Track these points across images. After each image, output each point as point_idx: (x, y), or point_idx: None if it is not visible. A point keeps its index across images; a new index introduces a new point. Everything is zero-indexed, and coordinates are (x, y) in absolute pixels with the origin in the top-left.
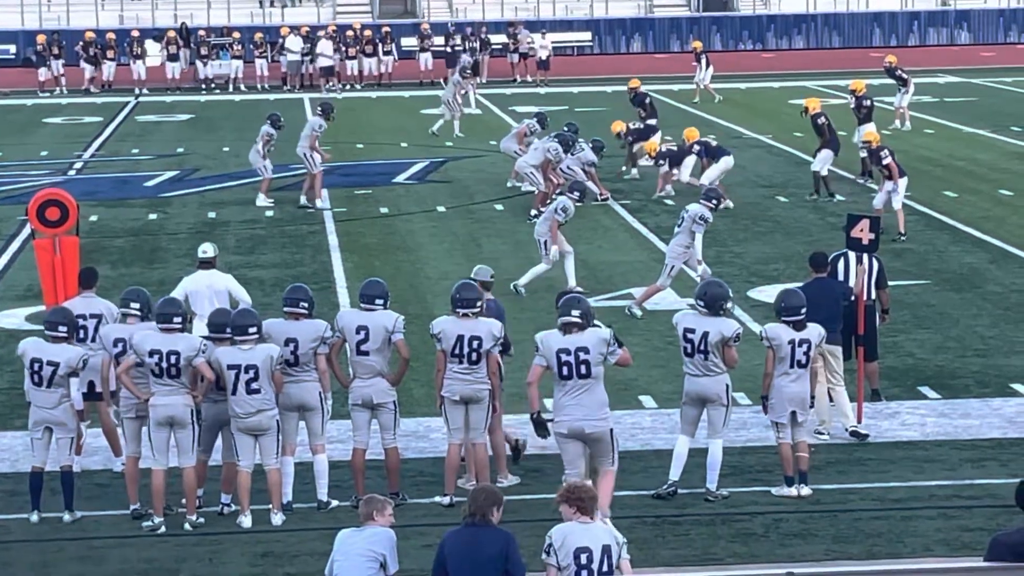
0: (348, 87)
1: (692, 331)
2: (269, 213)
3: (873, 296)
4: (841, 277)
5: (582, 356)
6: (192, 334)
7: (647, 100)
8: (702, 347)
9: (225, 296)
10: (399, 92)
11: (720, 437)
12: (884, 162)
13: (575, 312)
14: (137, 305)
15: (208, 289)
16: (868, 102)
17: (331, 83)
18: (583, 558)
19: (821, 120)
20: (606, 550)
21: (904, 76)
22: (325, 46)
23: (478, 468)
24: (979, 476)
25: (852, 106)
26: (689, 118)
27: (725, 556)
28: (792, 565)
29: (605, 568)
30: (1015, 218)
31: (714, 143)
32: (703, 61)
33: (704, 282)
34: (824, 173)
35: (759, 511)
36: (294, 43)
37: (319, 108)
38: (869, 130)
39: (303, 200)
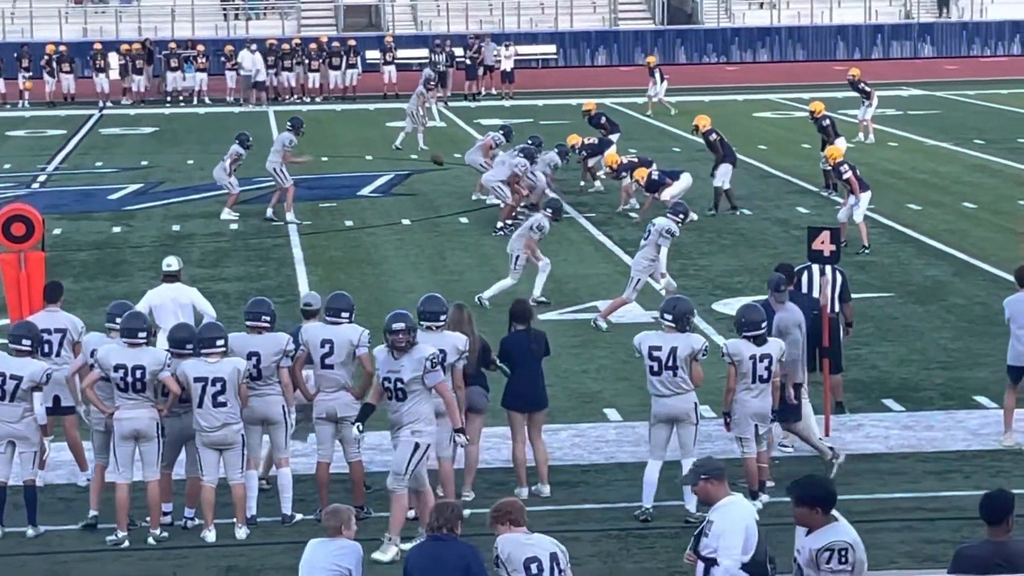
0: (309, 99)
1: (658, 348)
2: (234, 226)
3: (836, 309)
4: (805, 290)
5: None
6: (156, 348)
7: (603, 120)
8: (670, 363)
9: (190, 309)
10: (364, 105)
11: (692, 456)
12: (844, 177)
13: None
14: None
15: (173, 303)
16: (827, 121)
17: (259, 98)
18: (533, 567)
19: (713, 137)
20: (554, 557)
21: (867, 89)
22: (253, 60)
23: (444, 482)
24: (943, 488)
25: (816, 128)
26: (655, 131)
27: (690, 569)
28: None
29: (556, 575)
30: (978, 231)
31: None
32: (657, 75)
33: (670, 297)
34: (726, 187)
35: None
36: (247, 59)
37: (288, 123)
38: (831, 147)
39: (270, 212)
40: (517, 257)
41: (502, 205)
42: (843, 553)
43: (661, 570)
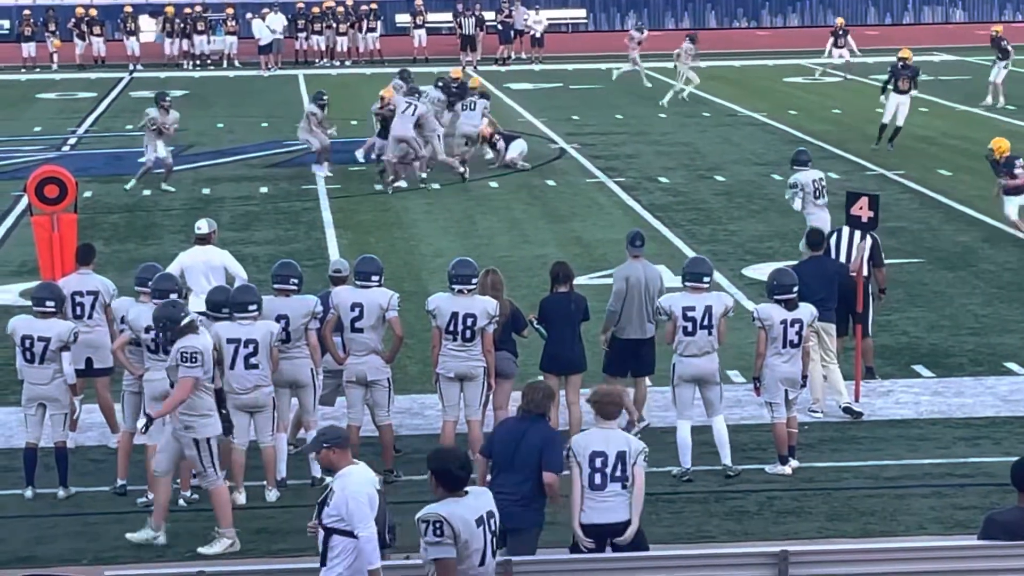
0: (339, 63)
1: (692, 308)
2: (263, 189)
3: (867, 274)
4: (834, 253)
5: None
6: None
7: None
8: (705, 322)
9: (221, 272)
10: (393, 69)
11: (720, 413)
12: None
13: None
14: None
15: (204, 265)
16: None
17: (267, 62)
18: (598, 461)
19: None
20: (620, 456)
21: (1008, 48)
22: (262, 26)
23: (473, 446)
24: (973, 454)
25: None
26: (687, 97)
27: (719, 534)
28: (786, 543)
29: (619, 472)
30: None
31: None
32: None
33: (696, 258)
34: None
35: (752, 489)
36: (256, 26)
37: (313, 96)
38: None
39: (327, 172)
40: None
41: (421, 155)
42: (438, 526)
43: (690, 534)
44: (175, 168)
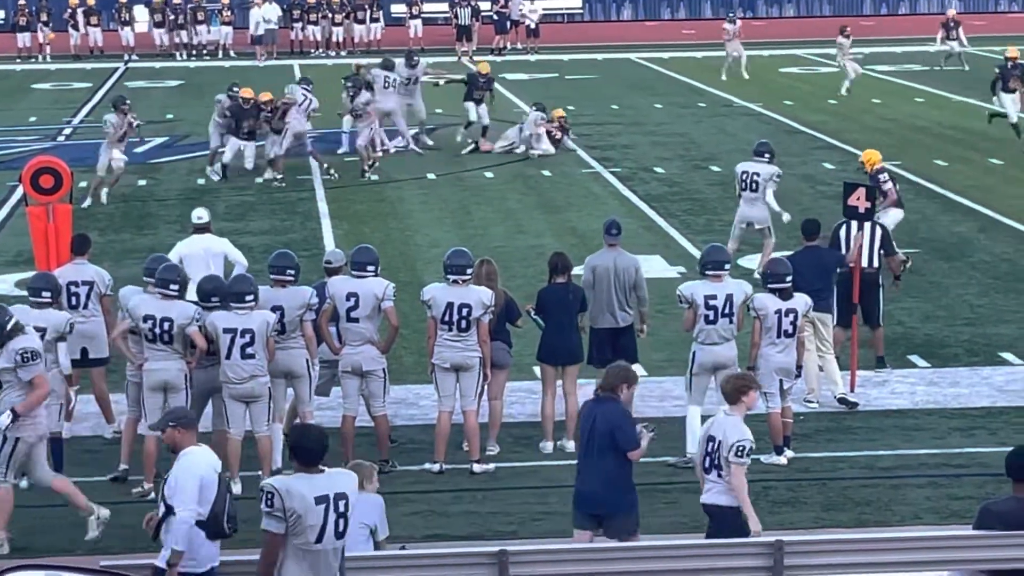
0: (334, 53)
1: (714, 297)
2: (259, 180)
3: (876, 264)
4: (843, 244)
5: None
6: (186, 301)
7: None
8: (726, 310)
9: (221, 259)
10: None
11: None
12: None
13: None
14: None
15: (205, 252)
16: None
17: (261, 52)
18: (709, 446)
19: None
20: (719, 445)
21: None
22: (256, 14)
23: (469, 436)
24: (968, 445)
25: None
26: (679, 85)
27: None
28: (781, 533)
29: (717, 460)
30: (1005, 187)
31: None
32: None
33: (713, 246)
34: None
35: (748, 479)
36: (270, 11)
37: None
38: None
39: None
40: None
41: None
42: (270, 497)
43: (685, 523)
44: (171, 159)
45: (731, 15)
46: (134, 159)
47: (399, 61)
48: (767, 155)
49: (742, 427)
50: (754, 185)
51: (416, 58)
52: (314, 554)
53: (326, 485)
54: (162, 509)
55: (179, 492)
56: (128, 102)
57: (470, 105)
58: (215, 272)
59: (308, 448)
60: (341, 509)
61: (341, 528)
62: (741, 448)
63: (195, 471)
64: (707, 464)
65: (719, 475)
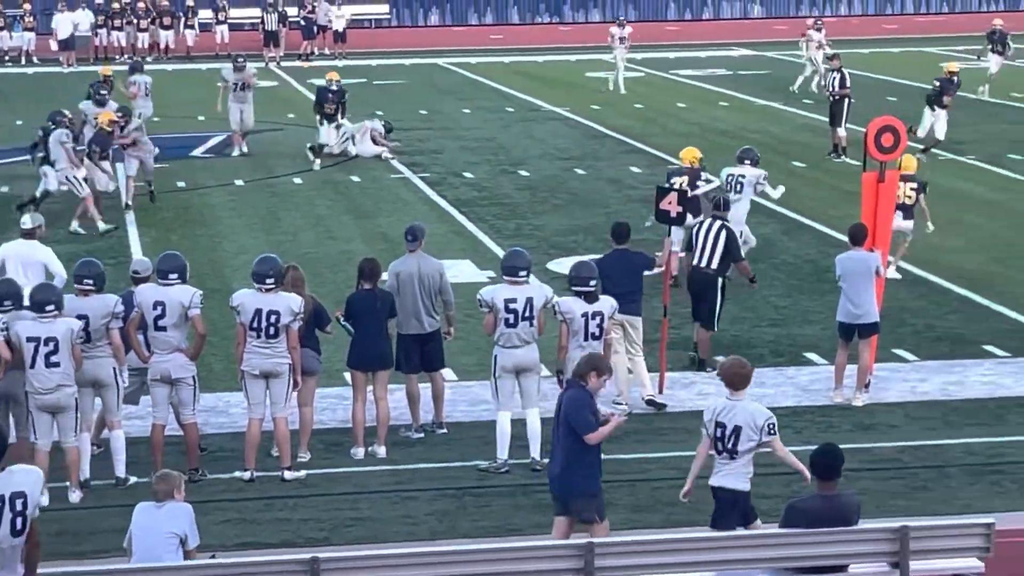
0: (140, 59)
1: (514, 300)
2: (64, 188)
3: (714, 265)
4: (700, 246)
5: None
6: None
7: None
8: (527, 313)
9: (40, 268)
10: (196, 65)
11: (535, 406)
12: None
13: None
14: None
15: (23, 259)
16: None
17: (68, 58)
18: (718, 431)
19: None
20: (736, 431)
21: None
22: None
23: (279, 443)
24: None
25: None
26: (487, 90)
27: (527, 527)
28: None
29: (730, 444)
30: (807, 189)
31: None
32: None
33: (513, 251)
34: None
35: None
36: (80, 17)
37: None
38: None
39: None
40: None
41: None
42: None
43: (498, 528)
44: None
45: (620, 19)
46: None
47: (226, 67)
48: (748, 161)
49: (758, 407)
50: (738, 187)
51: (242, 61)
52: None
53: (3, 484)
54: None
55: None
56: None
57: (322, 127)
58: (31, 281)
59: None
60: (19, 508)
61: (19, 527)
62: (772, 425)
63: None
64: (719, 448)
65: (731, 457)
